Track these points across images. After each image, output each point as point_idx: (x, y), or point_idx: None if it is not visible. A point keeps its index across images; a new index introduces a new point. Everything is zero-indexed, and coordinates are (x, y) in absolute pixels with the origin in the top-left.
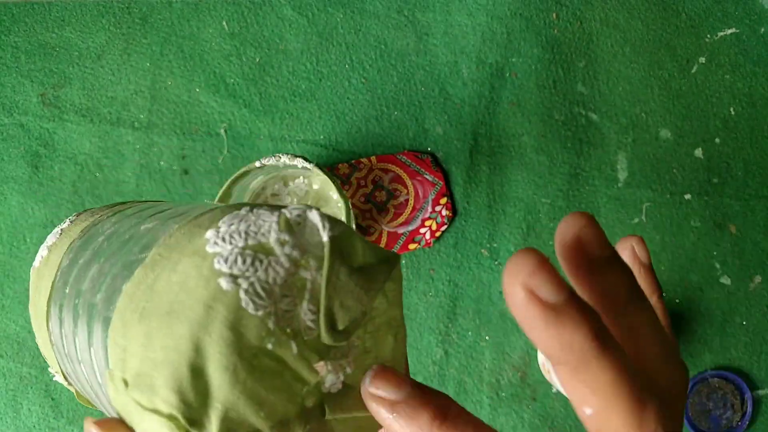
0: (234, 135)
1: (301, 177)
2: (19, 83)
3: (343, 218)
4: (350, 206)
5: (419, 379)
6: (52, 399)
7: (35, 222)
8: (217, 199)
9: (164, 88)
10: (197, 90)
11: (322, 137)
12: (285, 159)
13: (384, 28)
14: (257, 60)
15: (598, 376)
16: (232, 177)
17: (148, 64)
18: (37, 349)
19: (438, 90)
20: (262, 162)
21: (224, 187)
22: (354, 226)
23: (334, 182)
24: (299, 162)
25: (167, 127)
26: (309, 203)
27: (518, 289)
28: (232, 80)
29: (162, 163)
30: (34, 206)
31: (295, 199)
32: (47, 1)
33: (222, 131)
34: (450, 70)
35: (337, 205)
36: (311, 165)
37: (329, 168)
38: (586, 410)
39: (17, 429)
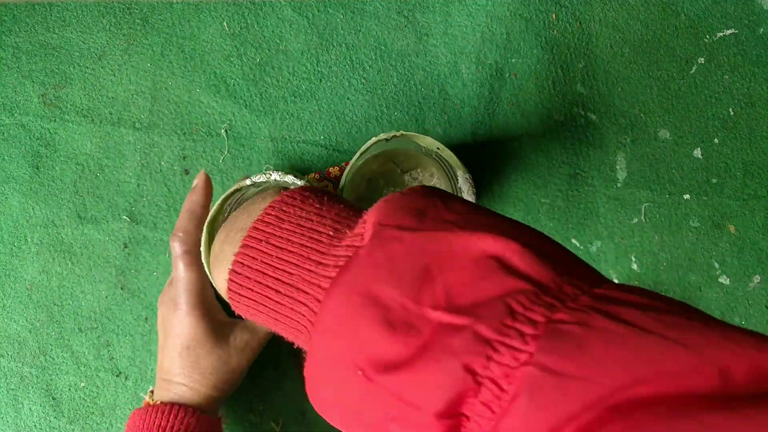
0: (234, 135)
1: None
2: (20, 83)
3: None
4: None
5: None
6: (53, 398)
7: (36, 222)
8: (209, 217)
9: (165, 88)
10: (198, 90)
11: (322, 138)
12: (275, 176)
13: (384, 29)
14: (258, 60)
15: None
16: (223, 196)
17: (148, 65)
18: (38, 348)
19: (438, 90)
20: (253, 180)
21: (216, 205)
22: None
23: None
24: (289, 179)
25: (168, 127)
26: None
27: None
28: (233, 81)
29: (163, 163)
30: (34, 206)
31: None
32: (48, 1)
33: (223, 132)
34: (450, 71)
35: None
36: (301, 182)
37: (319, 174)
38: None
39: (18, 428)
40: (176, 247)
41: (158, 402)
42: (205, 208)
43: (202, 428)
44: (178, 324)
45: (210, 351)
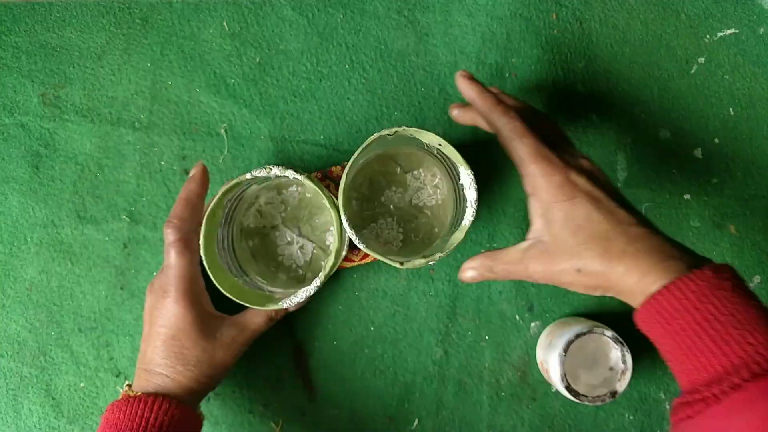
0: (234, 135)
1: (295, 185)
2: (19, 83)
3: (335, 228)
4: (342, 218)
5: (419, 378)
6: (53, 399)
7: (35, 222)
8: (209, 210)
9: (165, 88)
10: (197, 90)
11: (322, 137)
12: (276, 170)
13: (384, 29)
14: (257, 60)
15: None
16: (223, 189)
17: (148, 64)
18: (38, 348)
19: (438, 90)
20: (253, 174)
21: (216, 198)
22: (348, 235)
23: (325, 194)
24: (290, 173)
25: (168, 127)
26: (302, 212)
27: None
28: (233, 80)
29: (162, 163)
30: (34, 206)
31: (288, 208)
32: (48, 1)
33: (222, 131)
34: (450, 71)
35: (330, 213)
36: (302, 177)
37: (321, 173)
38: (524, 175)
39: (18, 428)
40: (169, 234)
41: (139, 393)
42: (201, 197)
43: (185, 420)
44: (165, 312)
45: (195, 342)
